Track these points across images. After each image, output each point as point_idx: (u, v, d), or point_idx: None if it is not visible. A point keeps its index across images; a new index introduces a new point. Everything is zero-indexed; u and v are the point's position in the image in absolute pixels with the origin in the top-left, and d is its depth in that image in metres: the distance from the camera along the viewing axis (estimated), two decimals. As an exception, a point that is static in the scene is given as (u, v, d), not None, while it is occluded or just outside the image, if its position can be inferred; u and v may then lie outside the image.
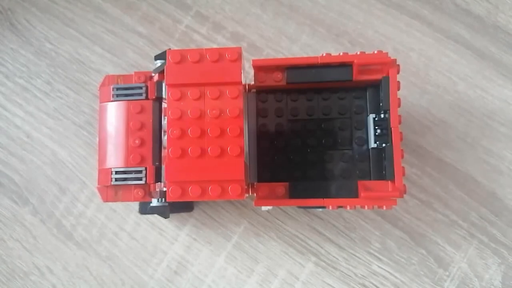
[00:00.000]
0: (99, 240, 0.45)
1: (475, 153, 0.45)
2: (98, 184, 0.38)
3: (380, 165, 0.37)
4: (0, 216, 0.47)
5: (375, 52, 0.36)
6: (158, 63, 0.40)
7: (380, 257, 0.44)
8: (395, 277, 0.43)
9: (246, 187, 0.34)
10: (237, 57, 0.35)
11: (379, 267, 0.43)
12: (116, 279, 0.45)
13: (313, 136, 0.38)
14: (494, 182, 0.44)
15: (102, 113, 0.39)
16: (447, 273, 0.43)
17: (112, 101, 0.39)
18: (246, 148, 0.37)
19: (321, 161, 0.38)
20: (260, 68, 0.37)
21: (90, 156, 0.47)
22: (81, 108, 0.48)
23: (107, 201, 0.38)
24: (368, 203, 0.35)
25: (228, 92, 0.34)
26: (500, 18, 0.47)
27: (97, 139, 0.39)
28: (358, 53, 0.36)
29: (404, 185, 0.34)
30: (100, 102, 0.40)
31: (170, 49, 0.36)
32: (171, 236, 0.45)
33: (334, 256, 0.44)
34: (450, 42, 0.47)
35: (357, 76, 0.36)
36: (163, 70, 0.37)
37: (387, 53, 0.35)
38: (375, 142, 0.37)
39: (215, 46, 0.48)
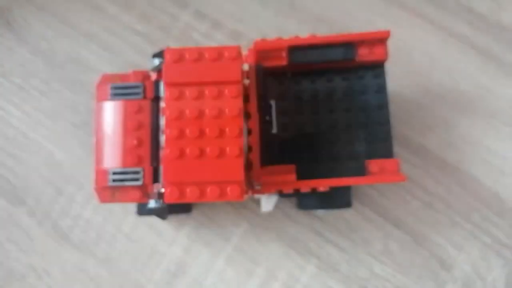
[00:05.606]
0: (97, 242, 0.45)
1: (478, 153, 0.44)
2: (95, 185, 0.38)
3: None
4: (-4, 218, 0.46)
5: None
6: (156, 61, 0.40)
7: (382, 258, 0.43)
8: (398, 279, 0.43)
9: (245, 187, 0.34)
10: (237, 55, 0.34)
11: (381, 269, 0.43)
12: (114, 281, 0.44)
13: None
14: (497, 183, 0.44)
15: (99, 112, 0.39)
16: (450, 275, 0.43)
17: (109, 100, 0.38)
18: (245, 149, 0.36)
19: (330, 142, 0.39)
20: (262, 52, 0.38)
21: (87, 156, 0.46)
22: (78, 107, 0.47)
23: (104, 202, 0.37)
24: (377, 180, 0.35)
25: (228, 91, 0.34)
26: (504, 16, 0.47)
27: (94, 139, 0.39)
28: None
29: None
30: (97, 102, 0.39)
31: (168, 47, 0.36)
32: (169, 237, 0.45)
33: (335, 258, 0.43)
34: (453, 41, 0.47)
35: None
36: (161, 68, 0.37)
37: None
38: None
39: (214, 44, 0.47)
